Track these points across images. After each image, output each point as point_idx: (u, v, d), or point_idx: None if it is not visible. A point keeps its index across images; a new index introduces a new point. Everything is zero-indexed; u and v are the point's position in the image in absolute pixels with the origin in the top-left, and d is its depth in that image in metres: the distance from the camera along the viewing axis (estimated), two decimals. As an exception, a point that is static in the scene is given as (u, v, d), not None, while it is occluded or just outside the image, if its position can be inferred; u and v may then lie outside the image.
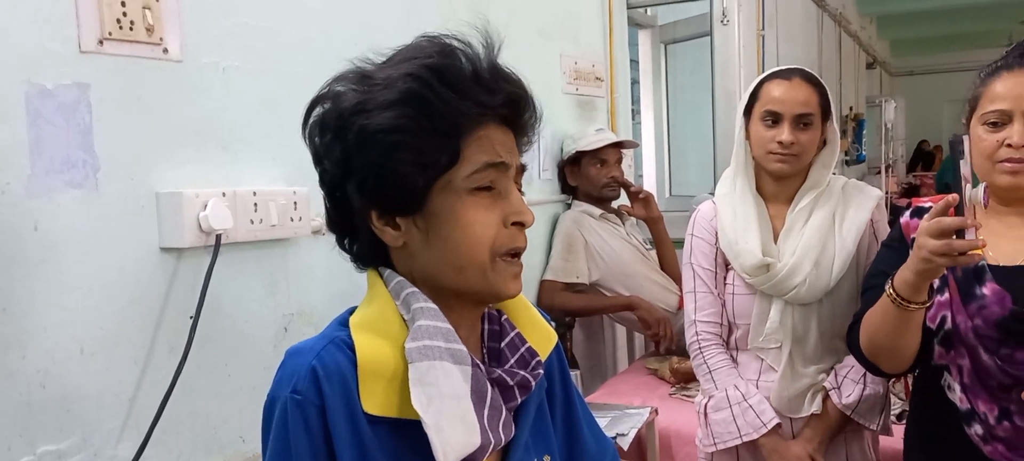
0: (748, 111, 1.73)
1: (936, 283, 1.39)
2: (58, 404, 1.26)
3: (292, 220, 1.60)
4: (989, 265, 1.37)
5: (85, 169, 1.29)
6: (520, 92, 0.88)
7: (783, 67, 1.73)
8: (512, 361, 0.93)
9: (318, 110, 0.88)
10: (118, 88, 1.33)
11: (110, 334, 1.33)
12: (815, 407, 1.70)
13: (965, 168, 1.25)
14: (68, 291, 1.27)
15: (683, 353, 2.44)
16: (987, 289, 1.35)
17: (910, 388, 2.10)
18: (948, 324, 1.39)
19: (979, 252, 1.21)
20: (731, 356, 1.78)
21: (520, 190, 0.91)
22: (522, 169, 0.92)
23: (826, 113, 1.70)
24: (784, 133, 1.64)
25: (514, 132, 0.89)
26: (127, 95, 1.34)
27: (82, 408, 1.29)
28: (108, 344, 1.33)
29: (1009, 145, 1.33)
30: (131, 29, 1.33)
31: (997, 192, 1.41)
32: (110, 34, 1.30)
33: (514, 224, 0.87)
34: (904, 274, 1.30)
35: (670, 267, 2.81)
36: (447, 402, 0.82)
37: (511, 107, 0.87)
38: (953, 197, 1.21)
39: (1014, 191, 1.38)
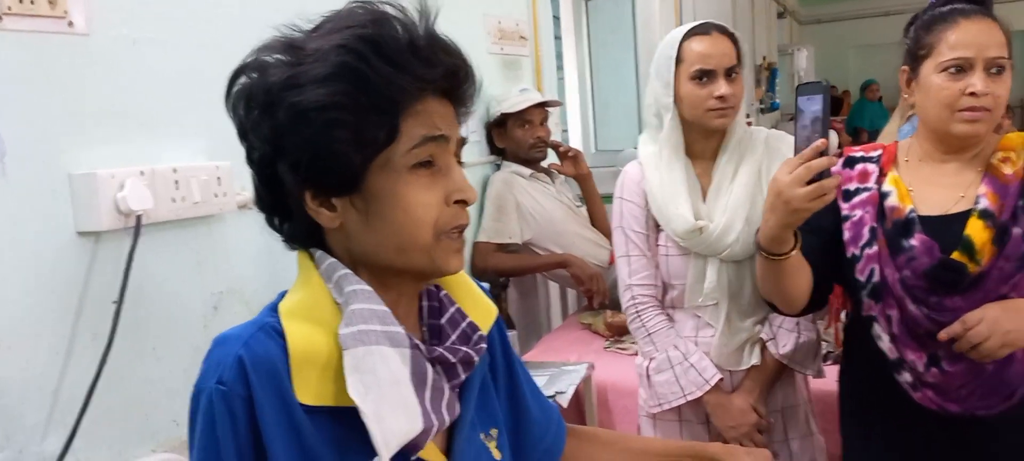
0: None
1: (866, 236, 1.41)
2: (-24, 402, 1.20)
3: (216, 196, 1.54)
4: (918, 216, 1.38)
5: (-10, 154, 1.21)
6: (460, 63, 0.84)
7: (697, 23, 1.71)
8: (453, 337, 0.90)
9: (243, 80, 0.82)
10: (22, 66, 1.25)
11: (28, 326, 1.26)
12: (754, 359, 1.71)
13: (819, 114, 1.24)
14: (-21, 284, 1.20)
15: (616, 307, 2.48)
16: (916, 240, 1.37)
17: (841, 336, 2.18)
18: (876, 277, 1.40)
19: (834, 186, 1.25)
20: (668, 315, 1.77)
21: (460, 162, 0.88)
22: (462, 142, 0.89)
23: (741, 62, 1.70)
24: (722, 87, 1.63)
25: (453, 104, 0.85)
26: (33, 73, 1.26)
27: (3, 404, 1.23)
28: (27, 336, 1.26)
29: (972, 93, 1.32)
30: (32, 2, 1.24)
31: (949, 140, 1.40)
32: (9, 8, 1.21)
33: (456, 202, 0.84)
34: (769, 229, 1.33)
35: (600, 223, 2.85)
36: (386, 389, 0.78)
37: (450, 79, 0.83)
38: (823, 142, 1.23)
39: (971, 139, 1.37)
